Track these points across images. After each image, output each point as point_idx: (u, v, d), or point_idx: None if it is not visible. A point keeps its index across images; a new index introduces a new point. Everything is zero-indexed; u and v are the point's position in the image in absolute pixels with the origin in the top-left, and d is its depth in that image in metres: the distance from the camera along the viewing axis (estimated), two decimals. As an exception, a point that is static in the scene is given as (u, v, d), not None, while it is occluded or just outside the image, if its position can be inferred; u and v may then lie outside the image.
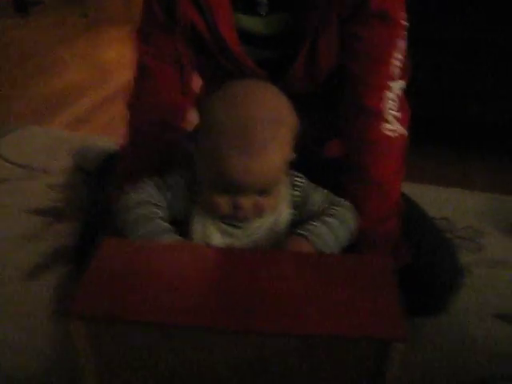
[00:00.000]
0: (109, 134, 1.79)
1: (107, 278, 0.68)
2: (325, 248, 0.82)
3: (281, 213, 0.88)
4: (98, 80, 2.32)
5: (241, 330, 0.61)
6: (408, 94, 0.99)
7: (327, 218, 0.86)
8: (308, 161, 0.91)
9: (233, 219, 0.84)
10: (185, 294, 0.65)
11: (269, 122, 0.76)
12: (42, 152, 1.74)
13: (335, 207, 0.88)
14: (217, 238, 0.86)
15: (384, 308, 0.63)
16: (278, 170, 0.80)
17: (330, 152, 1.16)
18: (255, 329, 0.61)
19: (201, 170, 0.83)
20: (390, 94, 0.96)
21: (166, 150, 1.03)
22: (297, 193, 0.89)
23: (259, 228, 0.86)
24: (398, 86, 0.96)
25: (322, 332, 0.61)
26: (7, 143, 1.80)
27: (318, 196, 0.90)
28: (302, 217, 0.89)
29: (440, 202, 1.47)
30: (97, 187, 1.41)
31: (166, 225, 0.84)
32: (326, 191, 0.91)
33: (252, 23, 0.97)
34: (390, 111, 0.96)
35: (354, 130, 0.98)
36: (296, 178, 0.89)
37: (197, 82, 1.12)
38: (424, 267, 0.97)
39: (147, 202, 0.85)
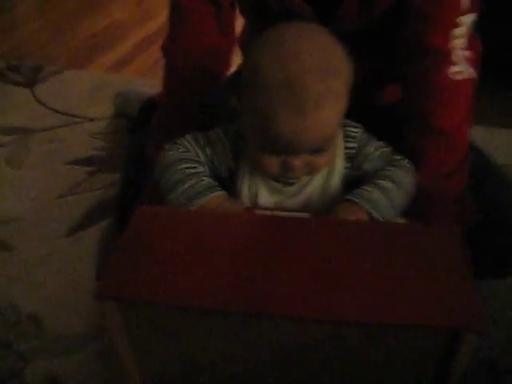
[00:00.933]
0: (153, 76, 1.68)
1: (140, 253, 0.62)
2: (379, 215, 0.73)
3: (334, 167, 0.80)
4: (142, 18, 2.20)
5: (284, 315, 0.54)
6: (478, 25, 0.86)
7: (382, 182, 0.77)
8: (362, 107, 0.81)
9: (282, 178, 0.77)
10: (222, 273, 0.59)
11: (322, 73, 0.67)
12: (82, 97, 1.67)
13: (392, 168, 0.79)
14: (265, 197, 0.80)
15: (454, 291, 0.55)
16: (334, 127, 0.71)
17: (387, 98, 1.05)
18: (299, 314, 0.54)
19: (245, 126, 0.76)
20: (459, 31, 0.83)
21: (206, 98, 0.95)
22: (351, 144, 0.80)
23: (311, 184, 0.79)
24: (468, 20, 0.83)
25: (377, 319, 0.53)
26: (46, 88, 1.74)
27: (375, 150, 0.81)
28: (357, 172, 0.81)
29: (510, 146, 1.34)
30: (139, 134, 1.35)
31: (210, 180, 0.77)
32: (382, 144, 0.82)
33: None
34: (458, 51, 0.83)
35: (415, 73, 0.86)
36: (350, 128, 0.80)
37: (237, 23, 1.02)
38: (495, 225, 0.87)
39: (187, 159, 0.79)
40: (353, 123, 0.81)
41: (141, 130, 1.35)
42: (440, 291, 0.55)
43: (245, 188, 0.80)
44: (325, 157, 0.74)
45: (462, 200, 0.84)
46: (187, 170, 0.77)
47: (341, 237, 0.64)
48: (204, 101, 0.95)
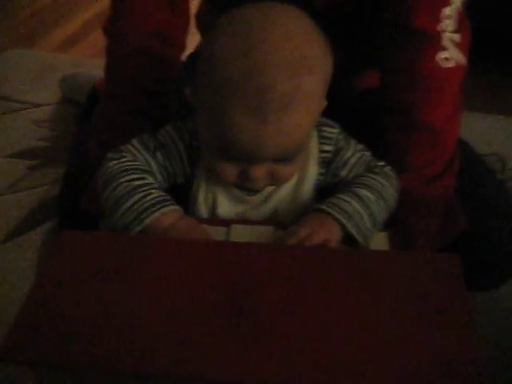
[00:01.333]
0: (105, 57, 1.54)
1: (57, 297, 0.50)
2: (355, 229, 0.62)
3: (306, 173, 0.69)
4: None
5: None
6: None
7: (361, 190, 0.66)
8: (336, 96, 0.69)
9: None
10: (155, 332, 0.47)
11: (292, 69, 0.55)
12: (26, 81, 1.51)
13: (372, 175, 0.68)
14: (225, 206, 0.69)
15: (452, 349, 0.44)
16: (303, 134, 0.60)
17: (365, 83, 0.93)
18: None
19: (201, 126, 0.63)
20: (449, 10, 0.72)
21: (156, 87, 0.82)
22: (327, 147, 0.69)
23: (279, 193, 0.68)
24: None
25: None
26: (-14, 71, 1.57)
27: (352, 153, 0.70)
28: (332, 178, 0.71)
29: (490, 133, 1.25)
30: (88, 123, 1.21)
31: (159, 193, 0.65)
32: (362, 147, 0.71)
33: None
34: (447, 34, 0.72)
35: (398, 60, 0.75)
36: (326, 128, 0.69)
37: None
38: (484, 233, 0.77)
39: (132, 169, 0.66)
40: (329, 122, 0.69)
41: (90, 118, 1.22)
42: (436, 350, 0.44)
43: (201, 196, 0.69)
44: (292, 166, 0.62)
45: (449, 207, 0.74)
46: (132, 183, 0.64)
47: (309, 273, 0.52)
48: (153, 90, 0.81)
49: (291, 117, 0.55)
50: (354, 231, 0.62)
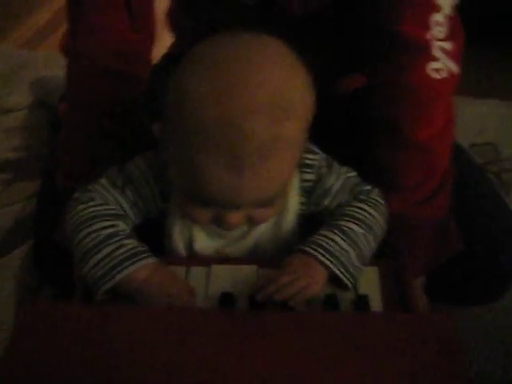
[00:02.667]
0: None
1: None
2: (340, 271, 0.58)
3: (287, 205, 0.64)
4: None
5: None
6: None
7: (347, 224, 0.61)
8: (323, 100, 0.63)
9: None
10: None
11: (272, 114, 0.49)
12: (-4, 83, 1.44)
13: (359, 203, 0.64)
14: (202, 241, 0.65)
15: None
16: (284, 181, 0.55)
17: (344, 86, 0.87)
18: None
19: (170, 165, 0.58)
20: (439, 16, 0.66)
21: (118, 110, 0.76)
22: (308, 176, 0.64)
23: (258, 227, 0.64)
24: (449, 2, 0.66)
25: None
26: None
27: (336, 179, 0.65)
28: (315, 207, 0.66)
29: (483, 119, 1.19)
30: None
31: (133, 244, 0.59)
32: (346, 170, 0.66)
33: None
34: (437, 42, 0.66)
35: (384, 72, 0.70)
36: (307, 155, 0.64)
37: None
38: (481, 252, 0.73)
39: (101, 215, 0.61)
40: (310, 147, 0.64)
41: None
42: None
43: (176, 232, 0.65)
44: (271, 209, 0.58)
45: (442, 228, 0.70)
46: (102, 233, 0.59)
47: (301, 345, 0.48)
48: (116, 112, 0.76)
49: (270, 167, 0.51)
50: (339, 273, 0.58)
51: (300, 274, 0.57)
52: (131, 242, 0.59)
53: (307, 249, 0.59)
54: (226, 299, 0.58)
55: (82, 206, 0.62)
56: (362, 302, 0.57)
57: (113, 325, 0.51)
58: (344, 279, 0.58)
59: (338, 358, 0.47)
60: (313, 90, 0.54)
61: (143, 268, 0.58)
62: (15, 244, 1.02)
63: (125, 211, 0.64)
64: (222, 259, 0.65)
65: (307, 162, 0.64)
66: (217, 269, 0.63)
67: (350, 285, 0.58)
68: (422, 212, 0.69)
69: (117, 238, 0.59)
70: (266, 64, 0.51)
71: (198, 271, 0.63)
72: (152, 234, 0.66)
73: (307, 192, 0.65)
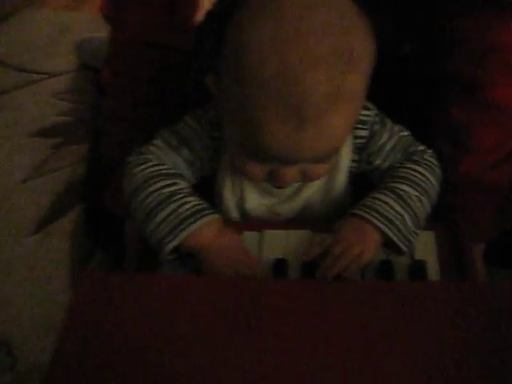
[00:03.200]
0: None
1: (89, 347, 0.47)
2: (398, 236, 0.57)
3: (339, 163, 0.63)
4: None
5: None
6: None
7: (401, 187, 0.60)
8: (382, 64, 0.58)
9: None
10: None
11: (334, 67, 0.47)
12: (40, 47, 1.44)
13: (412, 165, 0.62)
14: (253, 200, 0.65)
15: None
16: (345, 135, 0.54)
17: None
18: None
19: (225, 120, 0.57)
20: None
21: (163, 77, 0.76)
22: (361, 132, 0.63)
23: (310, 185, 0.64)
24: None
25: None
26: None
27: (388, 138, 0.64)
28: (366, 165, 0.65)
29: None
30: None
31: (196, 201, 0.59)
32: (400, 128, 0.64)
33: None
34: None
35: (468, 28, 0.65)
36: (361, 111, 0.61)
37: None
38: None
39: (161, 174, 0.61)
40: (365, 103, 0.62)
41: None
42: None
43: (227, 190, 0.65)
44: (326, 165, 0.56)
45: (509, 193, 0.67)
46: (165, 190, 0.59)
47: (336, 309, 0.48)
48: (161, 79, 0.75)
49: (332, 121, 0.49)
50: (395, 237, 0.57)
51: (352, 240, 0.56)
52: (194, 199, 0.59)
53: (360, 212, 0.58)
54: (280, 266, 0.58)
55: (139, 168, 0.61)
56: (418, 267, 0.57)
57: (170, 294, 0.51)
58: (400, 244, 0.57)
59: (394, 328, 0.47)
60: (374, 42, 0.52)
61: (209, 224, 0.58)
62: (66, 208, 1.04)
63: (182, 170, 0.63)
64: (275, 224, 0.64)
65: (361, 117, 0.62)
66: (270, 234, 0.62)
67: (405, 250, 0.57)
68: (492, 176, 0.66)
69: (179, 196, 0.59)
70: (328, 13, 0.49)
71: (251, 236, 0.63)
72: (202, 195, 0.66)
73: (359, 149, 0.64)
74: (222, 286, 0.53)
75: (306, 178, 0.57)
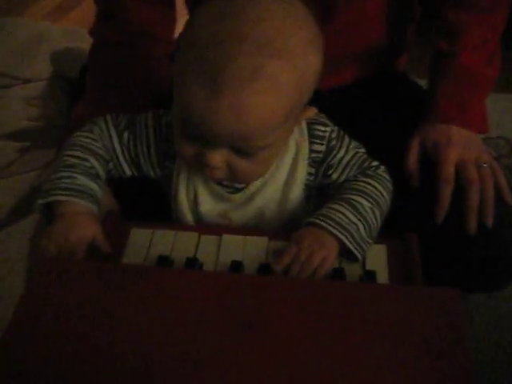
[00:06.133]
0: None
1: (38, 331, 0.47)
2: (352, 244, 0.59)
3: (295, 172, 0.65)
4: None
5: None
6: None
7: (356, 198, 0.62)
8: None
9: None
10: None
11: (258, 47, 0.50)
12: (16, 54, 1.46)
13: (365, 178, 0.65)
14: (207, 204, 0.66)
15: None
16: (265, 122, 0.53)
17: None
18: None
19: (173, 104, 0.59)
20: None
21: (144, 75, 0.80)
22: (318, 147, 0.65)
23: (263, 194, 0.65)
24: None
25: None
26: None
27: (345, 153, 0.66)
28: (323, 179, 0.67)
29: (498, 114, 1.19)
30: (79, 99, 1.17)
31: (81, 182, 0.63)
32: (356, 145, 0.67)
33: None
34: None
35: None
36: (318, 127, 0.65)
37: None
38: (489, 238, 0.73)
39: (81, 146, 0.65)
40: (322, 120, 0.65)
41: (81, 96, 1.17)
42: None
43: (182, 193, 0.66)
44: (252, 163, 0.58)
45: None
46: (72, 160, 0.64)
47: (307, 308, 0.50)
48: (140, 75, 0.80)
49: (249, 99, 0.51)
50: (350, 245, 0.59)
51: (315, 247, 0.58)
52: (80, 179, 0.63)
53: (317, 221, 0.60)
54: (236, 267, 0.59)
55: (79, 133, 0.66)
56: (369, 277, 0.58)
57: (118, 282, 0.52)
58: (355, 251, 0.59)
59: (340, 326, 0.48)
60: (318, 50, 0.55)
61: (72, 205, 0.61)
62: (30, 210, 1.04)
63: (114, 151, 0.67)
64: (234, 229, 0.66)
65: (318, 133, 0.64)
66: (228, 238, 0.64)
67: (359, 257, 0.59)
68: (488, 70, 0.79)
69: (74, 170, 0.63)
70: (273, 7, 0.53)
71: (209, 240, 0.64)
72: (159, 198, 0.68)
73: (316, 163, 0.65)
74: (196, 280, 0.54)
75: (233, 173, 0.58)
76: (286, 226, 0.66)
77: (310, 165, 0.65)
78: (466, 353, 0.43)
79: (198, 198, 0.66)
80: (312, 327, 0.48)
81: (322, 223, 0.60)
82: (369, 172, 0.65)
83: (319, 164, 0.66)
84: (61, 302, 0.50)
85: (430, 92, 0.81)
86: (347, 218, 0.60)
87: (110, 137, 0.66)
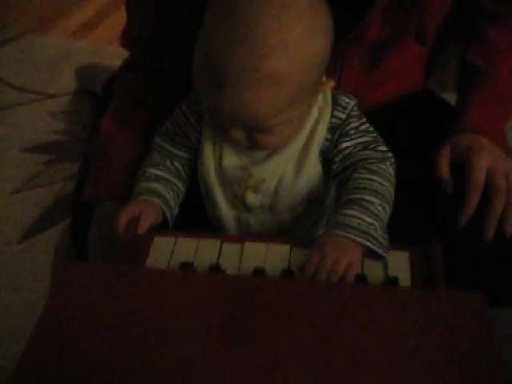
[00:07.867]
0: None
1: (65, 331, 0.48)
2: (377, 247, 0.60)
3: (315, 134, 0.68)
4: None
5: None
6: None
7: (367, 198, 0.63)
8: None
9: None
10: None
11: (256, 47, 0.54)
12: (42, 70, 1.49)
13: (370, 175, 0.65)
14: (230, 159, 0.70)
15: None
16: (267, 112, 0.58)
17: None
18: None
19: None
20: None
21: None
22: (339, 114, 0.68)
23: (283, 153, 0.69)
24: None
25: None
26: (2, 58, 1.54)
27: (357, 126, 0.69)
28: (334, 148, 0.69)
29: None
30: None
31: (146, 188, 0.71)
32: (369, 126, 0.69)
33: None
34: None
35: None
36: (343, 97, 0.69)
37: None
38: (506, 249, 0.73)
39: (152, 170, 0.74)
40: (348, 94, 0.69)
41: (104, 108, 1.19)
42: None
43: (208, 148, 0.71)
44: (272, 136, 0.63)
45: None
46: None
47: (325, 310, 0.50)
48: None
49: (246, 93, 0.56)
50: (375, 248, 0.60)
51: (339, 254, 0.58)
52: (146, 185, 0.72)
53: (337, 231, 0.60)
54: (259, 274, 0.60)
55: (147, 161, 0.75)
56: (391, 283, 0.58)
57: (153, 287, 0.53)
58: (379, 251, 0.60)
59: (364, 330, 0.48)
60: (323, 35, 0.59)
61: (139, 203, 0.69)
62: (55, 220, 1.06)
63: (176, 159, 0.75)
64: (256, 237, 0.66)
65: (341, 102, 0.68)
66: (250, 246, 0.64)
67: (386, 255, 0.60)
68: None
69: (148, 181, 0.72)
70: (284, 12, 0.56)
71: (231, 247, 0.65)
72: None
73: (334, 129, 0.68)
74: (209, 282, 0.55)
75: (253, 143, 0.64)
76: (301, 206, 0.71)
77: (328, 130, 0.68)
78: (492, 356, 0.43)
79: (222, 152, 0.70)
80: (336, 331, 0.48)
81: (343, 233, 0.60)
82: (375, 155, 0.67)
83: (335, 130, 0.68)
84: (86, 304, 0.51)
85: (460, 103, 0.82)
86: (364, 221, 0.61)
87: (169, 152, 0.75)
